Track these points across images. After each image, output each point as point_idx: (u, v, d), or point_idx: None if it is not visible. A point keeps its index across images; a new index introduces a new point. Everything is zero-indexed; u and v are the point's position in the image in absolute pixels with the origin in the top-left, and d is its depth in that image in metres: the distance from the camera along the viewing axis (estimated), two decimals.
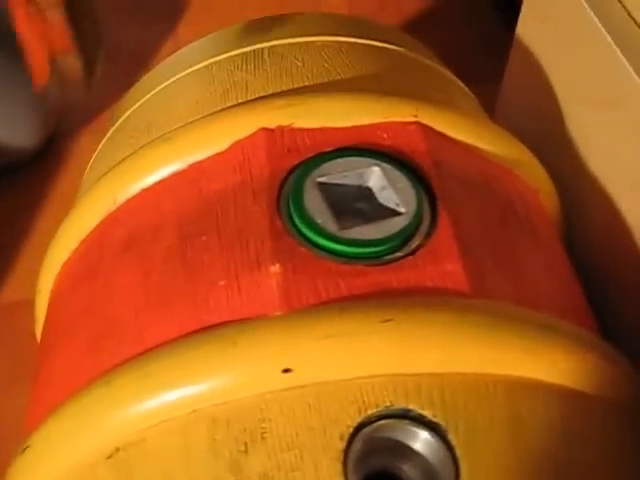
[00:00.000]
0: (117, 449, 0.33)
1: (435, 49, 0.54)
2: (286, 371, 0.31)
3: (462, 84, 0.51)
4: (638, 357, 0.40)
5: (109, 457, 0.33)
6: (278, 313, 0.32)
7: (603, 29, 0.46)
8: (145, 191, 0.41)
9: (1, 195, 0.75)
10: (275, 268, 0.33)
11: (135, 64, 0.54)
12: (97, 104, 0.54)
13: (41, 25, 0.36)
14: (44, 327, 0.45)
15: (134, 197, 0.41)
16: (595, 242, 0.50)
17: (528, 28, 0.57)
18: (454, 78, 0.50)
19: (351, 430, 0.30)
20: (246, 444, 0.31)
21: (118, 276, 0.39)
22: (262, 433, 0.31)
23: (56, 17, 0.36)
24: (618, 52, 0.45)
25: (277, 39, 0.46)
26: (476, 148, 0.42)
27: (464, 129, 0.42)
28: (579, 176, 0.50)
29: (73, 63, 0.37)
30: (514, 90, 0.61)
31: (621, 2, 0.47)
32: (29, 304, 0.48)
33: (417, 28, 0.90)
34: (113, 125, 0.52)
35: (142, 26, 0.89)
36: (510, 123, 0.60)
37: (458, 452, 0.31)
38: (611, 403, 0.36)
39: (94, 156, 0.52)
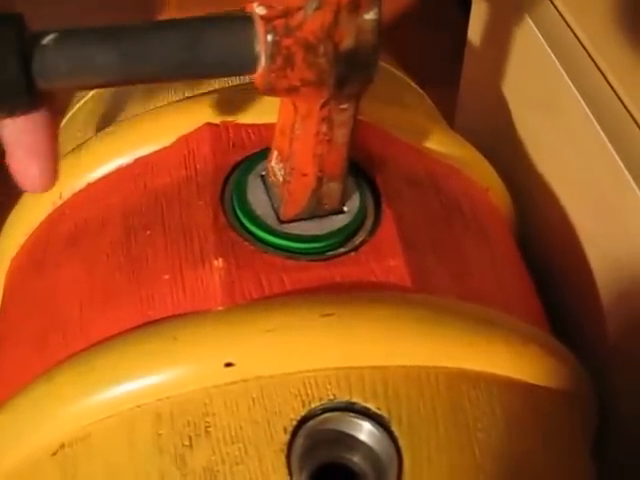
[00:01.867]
0: (62, 445, 0.33)
1: (406, 52, 0.54)
2: (228, 365, 0.31)
3: (414, 85, 0.51)
4: (591, 353, 0.41)
5: (54, 454, 0.33)
6: (221, 308, 0.32)
7: (540, 36, 0.47)
8: (91, 185, 0.41)
9: None
10: (218, 263, 0.34)
11: None
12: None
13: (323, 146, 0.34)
14: None
15: (80, 191, 0.41)
16: (547, 239, 0.51)
17: (477, 34, 0.58)
18: (406, 79, 0.51)
19: (295, 423, 0.31)
20: (190, 438, 0.31)
21: (64, 271, 0.38)
22: (206, 427, 0.31)
23: (342, 138, 0.33)
24: (553, 57, 0.46)
25: None
26: (423, 147, 0.43)
27: (411, 129, 0.42)
28: (531, 176, 0.51)
29: (335, 190, 0.35)
30: (470, 94, 0.62)
31: (557, 8, 0.48)
32: None
33: (391, 31, 0.90)
34: (65, 117, 0.51)
35: (118, 20, 0.88)
36: (468, 126, 0.61)
37: (401, 442, 0.31)
38: (552, 393, 0.36)
39: None
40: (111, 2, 0.94)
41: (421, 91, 0.51)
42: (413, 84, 0.51)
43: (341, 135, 0.33)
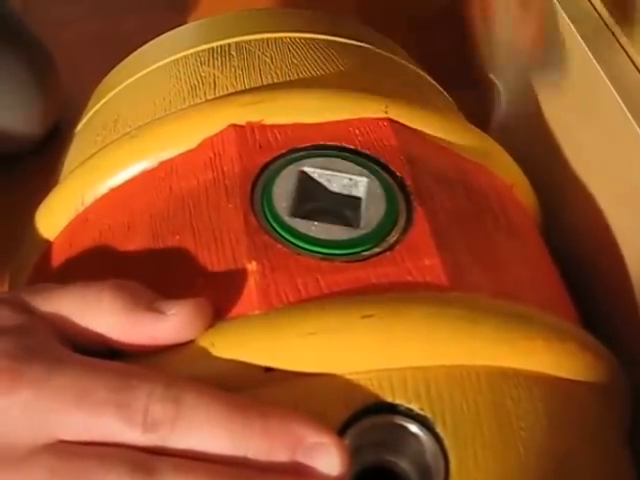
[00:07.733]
0: None
1: (426, 55, 0.53)
2: (268, 370, 0.30)
3: (434, 82, 0.51)
4: (617, 347, 0.41)
5: None
6: (257, 312, 0.32)
7: (578, 35, 0.47)
8: (114, 190, 0.40)
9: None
10: (252, 266, 0.33)
11: None
12: None
13: None
14: None
15: (103, 197, 0.40)
16: (581, 239, 0.51)
17: None
18: (426, 76, 0.50)
19: (338, 427, 0.30)
20: None
21: (89, 278, 0.38)
22: None
23: None
24: (591, 57, 0.45)
25: (243, 35, 0.46)
26: (449, 144, 0.42)
27: (435, 125, 0.42)
28: (567, 177, 0.50)
29: None
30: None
31: (594, 6, 0.47)
32: None
33: (424, 31, 0.89)
34: (81, 121, 0.50)
35: (149, 19, 0.87)
36: (505, 127, 0.60)
37: (447, 443, 0.31)
38: (591, 389, 0.36)
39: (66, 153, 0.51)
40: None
41: (441, 89, 0.51)
42: (434, 82, 0.51)
43: None
